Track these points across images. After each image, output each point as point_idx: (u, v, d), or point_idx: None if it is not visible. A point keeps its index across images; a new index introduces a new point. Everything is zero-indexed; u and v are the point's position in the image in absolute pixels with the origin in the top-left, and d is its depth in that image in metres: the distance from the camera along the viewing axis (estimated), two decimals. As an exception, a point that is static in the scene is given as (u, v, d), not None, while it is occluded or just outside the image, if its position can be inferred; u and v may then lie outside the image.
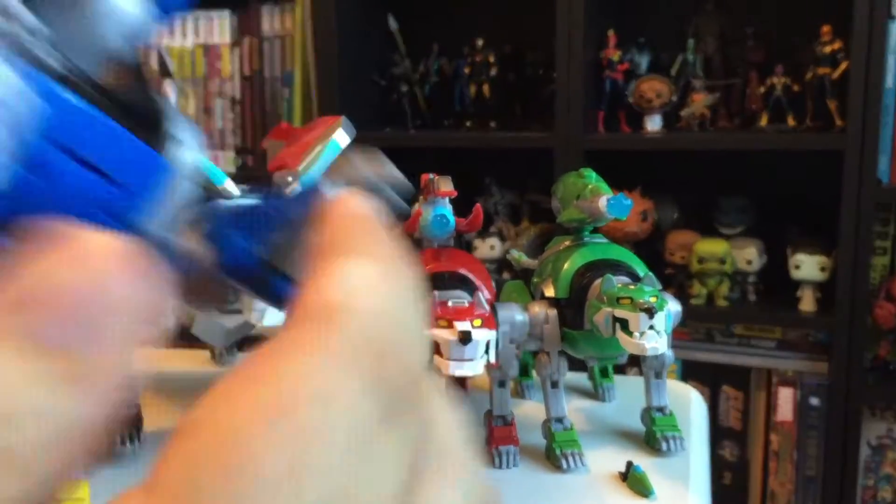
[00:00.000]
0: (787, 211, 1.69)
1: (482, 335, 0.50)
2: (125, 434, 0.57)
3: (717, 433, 1.69)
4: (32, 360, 0.15)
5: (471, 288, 0.56)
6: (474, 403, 0.69)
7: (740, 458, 1.70)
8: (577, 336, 0.58)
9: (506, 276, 1.66)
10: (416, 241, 0.60)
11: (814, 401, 1.63)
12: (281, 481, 0.14)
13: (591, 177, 0.60)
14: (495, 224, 1.81)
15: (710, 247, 1.61)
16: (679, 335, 1.69)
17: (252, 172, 1.85)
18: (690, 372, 1.67)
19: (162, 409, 0.64)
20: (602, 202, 0.57)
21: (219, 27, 1.90)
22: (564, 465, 0.57)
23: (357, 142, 0.63)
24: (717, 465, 1.69)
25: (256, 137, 1.87)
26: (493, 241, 1.77)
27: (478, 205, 0.57)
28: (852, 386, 1.53)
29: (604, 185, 0.59)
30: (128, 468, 0.57)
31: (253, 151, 1.90)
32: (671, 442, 0.59)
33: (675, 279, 1.67)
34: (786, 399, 1.65)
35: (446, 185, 0.56)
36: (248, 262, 0.26)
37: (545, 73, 1.76)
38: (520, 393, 0.71)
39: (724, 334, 1.70)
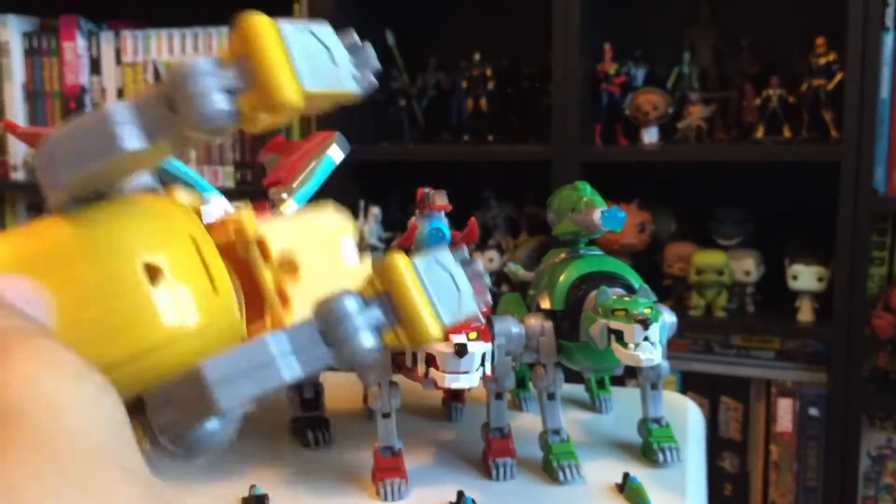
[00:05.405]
0: (784, 222, 1.69)
1: (478, 347, 0.50)
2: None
3: (717, 444, 1.69)
4: None
5: (467, 301, 0.56)
6: (471, 416, 0.69)
7: (741, 469, 1.70)
8: (574, 348, 0.58)
9: (504, 289, 1.66)
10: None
11: (813, 411, 1.63)
12: None
13: (586, 189, 0.61)
14: (494, 237, 1.81)
15: (708, 258, 1.61)
16: (678, 347, 1.69)
17: (251, 187, 1.86)
18: (689, 383, 1.67)
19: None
20: (596, 214, 0.58)
21: (218, 43, 1.91)
22: (561, 477, 0.57)
23: (354, 156, 0.64)
24: (718, 477, 1.69)
25: (255, 152, 1.87)
26: (492, 254, 1.77)
27: (473, 218, 0.58)
28: (851, 396, 1.53)
29: (598, 198, 0.60)
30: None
31: (252, 166, 1.90)
32: (668, 453, 0.59)
33: (673, 290, 1.67)
34: (785, 410, 1.65)
35: (441, 200, 0.56)
36: None
37: (542, 86, 1.76)
38: (517, 405, 0.71)
39: (722, 345, 1.70)
